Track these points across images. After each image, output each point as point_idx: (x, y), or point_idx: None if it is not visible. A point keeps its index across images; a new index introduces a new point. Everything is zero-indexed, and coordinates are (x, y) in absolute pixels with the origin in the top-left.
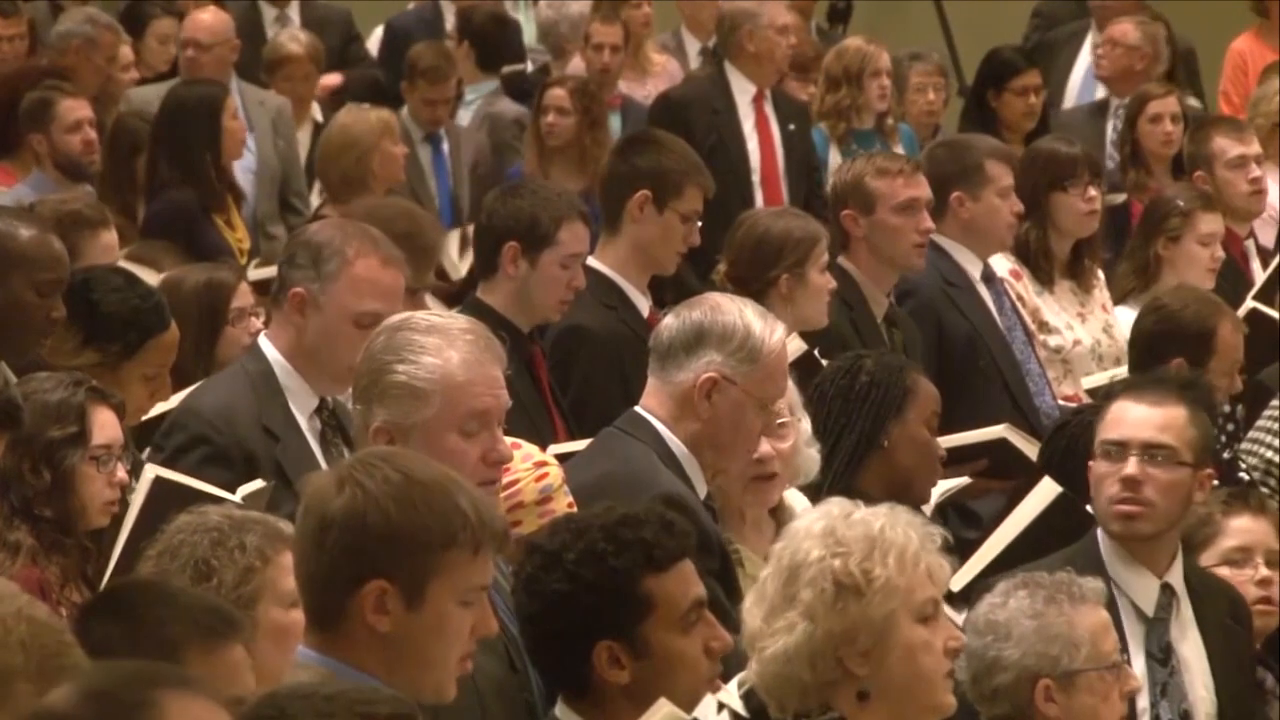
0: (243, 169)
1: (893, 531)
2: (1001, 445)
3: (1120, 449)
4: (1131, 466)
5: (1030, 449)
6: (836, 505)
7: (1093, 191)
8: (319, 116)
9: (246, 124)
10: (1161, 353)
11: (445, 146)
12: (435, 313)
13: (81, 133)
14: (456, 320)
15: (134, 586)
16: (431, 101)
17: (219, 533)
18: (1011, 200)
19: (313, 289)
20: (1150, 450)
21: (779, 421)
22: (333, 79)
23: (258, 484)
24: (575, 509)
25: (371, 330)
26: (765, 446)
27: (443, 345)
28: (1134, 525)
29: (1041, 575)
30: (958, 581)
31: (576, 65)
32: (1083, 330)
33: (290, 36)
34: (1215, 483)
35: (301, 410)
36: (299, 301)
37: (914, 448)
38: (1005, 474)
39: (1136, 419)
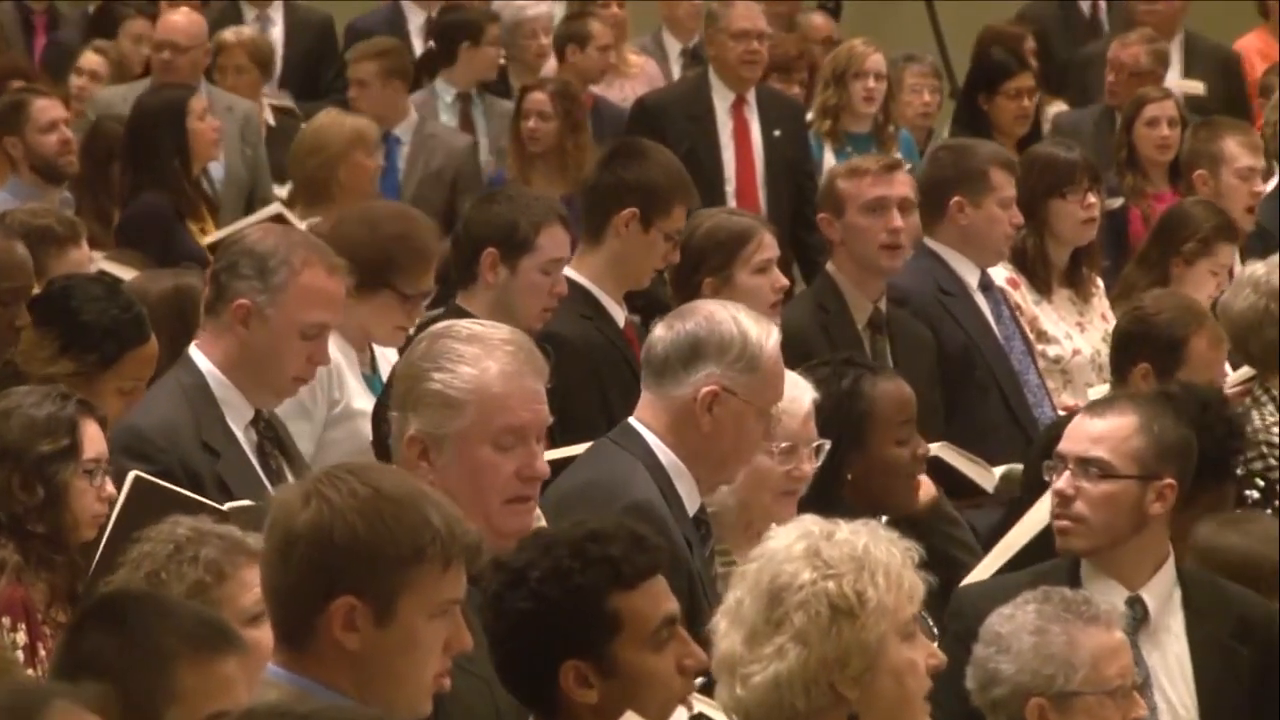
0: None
1: (876, 549)
2: (935, 464)
3: (1060, 463)
4: (1062, 481)
5: (970, 467)
6: (815, 524)
7: (1092, 198)
8: (270, 119)
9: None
10: (1132, 356)
11: (404, 150)
12: (479, 321)
13: (57, 132)
14: (499, 330)
15: (128, 597)
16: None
17: (176, 544)
18: (1012, 212)
19: (259, 300)
20: (1082, 464)
21: (816, 444)
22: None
23: (247, 503)
24: (543, 524)
25: (317, 341)
26: (807, 466)
27: (481, 355)
28: (1068, 541)
29: (1059, 591)
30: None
31: (550, 69)
32: (1082, 340)
33: (234, 31)
34: None
35: (237, 423)
36: (243, 313)
37: (880, 472)
38: (956, 493)
39: (1075, 433)
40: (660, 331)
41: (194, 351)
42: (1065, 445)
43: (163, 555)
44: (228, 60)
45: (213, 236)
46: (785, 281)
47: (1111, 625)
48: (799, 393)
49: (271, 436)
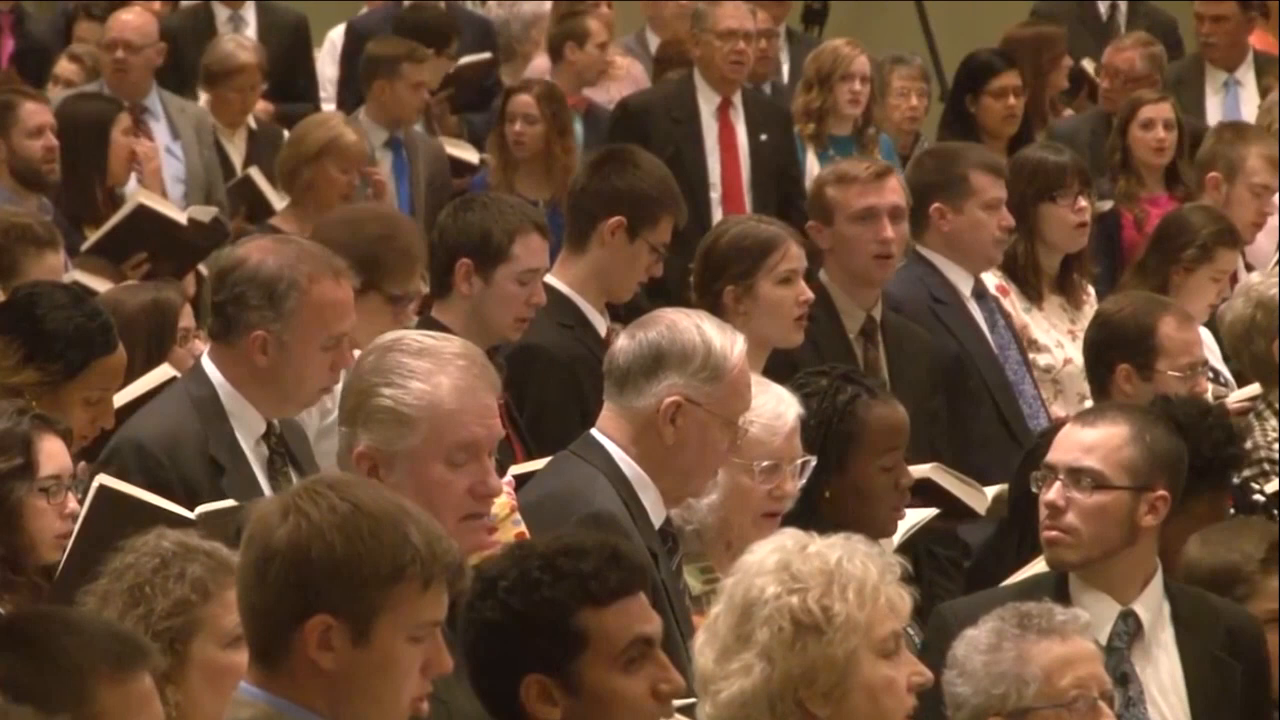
0: (172, 178)
1: (850, 564)
2: (926, 486)
3: (1049, 474)
4: (1053, 492)
5: (962, 489)
6: (790, 538)
7: (1083, 202)
8: (253, 123)
9: (171, 132)
10: (1108, 361)
11: (405, 153)
12: (428, 334)
13: (43, 138)
14: (450, 343)
15: (35, 617)
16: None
17: (162, 559)
18: (1000, 214)
19: (274, 329)
20: (1074, 474)
21: (800, 461)
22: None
23: (228, 503)
24: (527, 536)
25: (337, 350)
26: (790, 485)
27: (433, 370)
28: (1058, 553)
29: (1019, 605)
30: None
31: (535, 68)
32: (1074, 348)
33: (238, 45)
34: (1232, 510)
35: (247, 436)
36: (260, 344)
37: (857, 495)
38: (953, 515)
39: (1065, 443)
40: (622, 341)
41: (205, 362)
42: (1055, 455)
43: (147, 569)
44: (246, 80)
45: (90, 241)
46: (810, 294)
47: (1068, 636)
48: (784, 409)
49: (283, 451)
